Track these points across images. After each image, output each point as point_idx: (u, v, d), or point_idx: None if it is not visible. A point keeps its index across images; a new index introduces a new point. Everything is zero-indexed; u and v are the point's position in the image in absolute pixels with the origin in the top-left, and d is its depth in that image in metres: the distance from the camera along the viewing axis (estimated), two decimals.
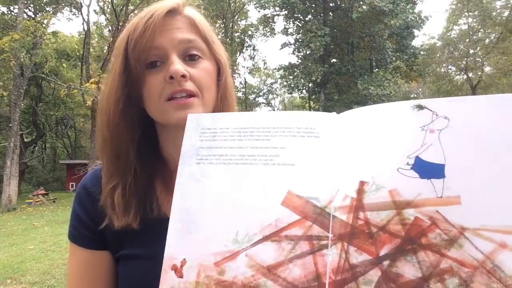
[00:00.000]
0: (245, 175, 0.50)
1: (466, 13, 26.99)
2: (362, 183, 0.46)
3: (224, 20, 26.33)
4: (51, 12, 18.60)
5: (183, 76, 0.62)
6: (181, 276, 0.47)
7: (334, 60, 22.76)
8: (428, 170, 0.44)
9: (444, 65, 28.65)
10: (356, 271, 0.43)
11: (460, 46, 27.42)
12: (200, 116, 0.56)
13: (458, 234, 0.41)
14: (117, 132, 0.66)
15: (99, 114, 0.69)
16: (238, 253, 0.46)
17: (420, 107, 0.47)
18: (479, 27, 26.69)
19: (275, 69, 24.98)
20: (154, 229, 0.66)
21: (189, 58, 0.65)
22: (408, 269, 0.41)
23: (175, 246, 0.49)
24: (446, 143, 0.45)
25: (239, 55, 29.75)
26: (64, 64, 19.56)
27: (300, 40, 21.51)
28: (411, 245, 0.42)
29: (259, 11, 23.40)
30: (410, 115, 0.47)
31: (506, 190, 0.42)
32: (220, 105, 0.70)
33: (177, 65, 0.62)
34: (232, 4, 26.27)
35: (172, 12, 0.66)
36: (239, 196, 0.49)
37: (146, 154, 0.69)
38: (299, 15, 21.90)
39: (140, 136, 0.68)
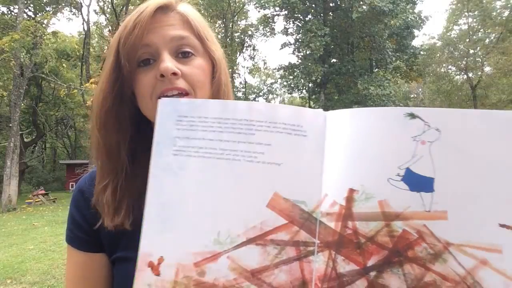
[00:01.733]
0: (227, 171, 0.47)
1: (466, 13, 26.99)
2: (351, 191, 0.45)
3: (224, 20, 26.33)
4: (51, 12, 18.58)
5: (174, 74, 0.60)
6: (158, 274, 0.45)
7: (334, 60, 22.74)
8: (418, 183, 0.44)
9: (444, 65, 28.65)
10: (343, 280, 0.43)
11: (460, 46, 27.41)
12: (175, 101, 0.52)
13: (443, 249, 0.42)
14: (106, 131, 0.65)
15: (91, 113, 0.68)
16: (220, 255, 0.45)
17: (413, 116, 0.45)
18: (479, 27, 26.68)
19: (275, 69, 25.00)
20: None
21: (182, 55, 0.64)
22: (394, 281, 0.42)
23: (152, 243, 0.47)
24: (436, 156, 0.44)
25: (239, 55, 29.75)
26: (64, 64, 19.56)
27: (300, 40, 21.50)
28: (398, 257, 0.43)
29: (259, 11, 23.41)
30: (402, 124, 0.46)
31: (491, 208, 0.42)
32: None
33: (168, 63, 0.60)
34: (232, 4, 26.26)
35: (164, 9, 0.64)
36: (220, 194, 0.46)
37: (139, 154, 0.67)
38: (299, 15, 21.90)
39: (134, 135, 0.67)
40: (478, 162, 0.43)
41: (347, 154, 0.46)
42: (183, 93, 0.62)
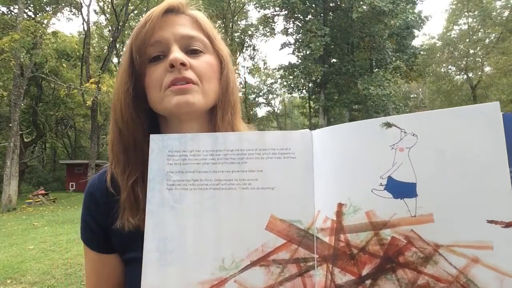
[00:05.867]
0: (225, 200, 0.50)
1: (466, 13, 26.99)
2: (340, 205, 0.47)
3: (224, 20, 26.32)
4: (51, 12, 18.58)
5: (183, 64, 0.63)
6: None
7: (334, 60, 22.73)
8: (400, 189, 0.45)
9: (444, 65, 28.66)
10: None
11: (460, 46, 27.42)
12: (165, 137, 0.53)
13: (433, 251, 0.43)
14: (129, 124, 0.67)
15: (112, 109, 0.70)
16: (227, 280, 0.47)
17: (389, 125, 0.47)
18: (479, 27, 26.69)
19: (275, 69, 25.01)
20: None
21: (191, 52, 0.66)
22: (389, 287, 0.44)
23: (155, 278, 0.48)
24: (416, 161, 0.45)
25: (239, 55, 29.74)
26: (64, 64, 19.56)
27: (300, 40, 21.50)
28: (390, 264, 0.44)
29: (259, 11, 23.37)
30: (379, 134, 0.47)
31: (476, 205, 0.42)
32: (222, 99, 0.70)
33: (177, 54, 0.63)
34: (232, 4, 26.27)
35: (176, 11, 0.68)
36: (220, 223, 0.49)
37: None
38: (299, 15, 21.89)
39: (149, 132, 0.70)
40: (456, 160, 0.44)
41: (334, 169, 0.49)
42: (191, 83, 0.64)
